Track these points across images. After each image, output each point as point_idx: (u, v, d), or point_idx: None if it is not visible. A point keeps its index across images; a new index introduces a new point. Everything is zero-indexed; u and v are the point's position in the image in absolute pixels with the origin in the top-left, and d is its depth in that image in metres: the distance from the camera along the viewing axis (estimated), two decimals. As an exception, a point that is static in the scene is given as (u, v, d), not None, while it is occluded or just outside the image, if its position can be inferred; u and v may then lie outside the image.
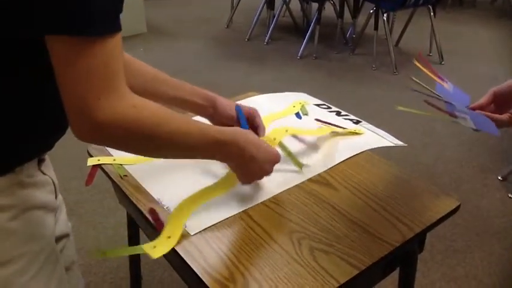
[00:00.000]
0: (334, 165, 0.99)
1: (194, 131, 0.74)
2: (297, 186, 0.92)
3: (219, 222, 0.83)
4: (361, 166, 0.99)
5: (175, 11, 4.66)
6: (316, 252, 0.77)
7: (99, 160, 1.00)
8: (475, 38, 4.11)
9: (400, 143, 1.06)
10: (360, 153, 1.03)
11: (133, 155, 0.96)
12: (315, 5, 3.82)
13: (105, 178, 0.98)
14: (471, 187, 2.19)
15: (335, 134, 1.09)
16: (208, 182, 0.90)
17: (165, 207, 0.86)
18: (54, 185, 0.80)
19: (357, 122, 1.15)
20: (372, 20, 3.43)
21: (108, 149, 1.04)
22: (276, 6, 3.94)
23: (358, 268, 0.74)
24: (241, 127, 0.95)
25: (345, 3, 3.76)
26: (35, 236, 0.74)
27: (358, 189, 0.92)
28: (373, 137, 1.09)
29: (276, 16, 3.90)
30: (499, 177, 2.24)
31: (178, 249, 0.77)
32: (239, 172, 0.85)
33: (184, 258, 0.76)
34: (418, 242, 0.88)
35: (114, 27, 0.60)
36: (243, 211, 0.86)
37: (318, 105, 1.23)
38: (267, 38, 3.87)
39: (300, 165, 0.97)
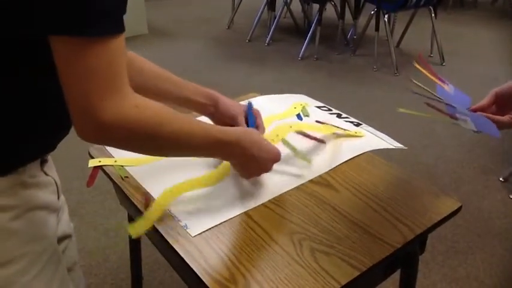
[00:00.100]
0: (335, 167, 0.99)
1: (197, 131, 0.75)
2: (297, 187, 0.92)
3: (220, 223, 0.83)
4: (362, 167, 0.99)
5: (176, 12, 4.66)
6: (317, 253, 0.77)
7: (100, 161, 1.00)
8: (476, 39, 4.11)
9: (399, 145, 1.06)
10: (360, 154, 1.03)
11: (135, 156, 0.97)
12: (315, 6, 3.83)
13: (107, 179, 0.98)
14: (472, 188, 2.18)
15: (336, 136, 1.09)
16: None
17: (166, 209, 0.86)
18: (56, 185, 0.80)
19: (358, 125, 1.15)
20: (373, 21, 3.43)
21: (109, 150, 1.04)
22: (277, 7, 3.94)
23: (359, 269, 0.74)
24: (248, 123, 0.96)
25: (346, 4, 3.76)
26: (37, 236, 0.74)
27: (359, 191, 0.92)
28: (373, 139, 1.09)
29: (277, 17, 3.90)
30: (500, 179, 2.24)
31: (178, 249, 0.77)
32: (239, 168, 0.86)
33: (185, 259, 0.76)
34: (419, 243, 0.88)
35: (117, 27, 0.60)
36: (243, 212, 0.86)
37: (318, 107, 1.23)
38: (268, 39, 3.87)
39: (308, 160, 0.97)
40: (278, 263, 0.75)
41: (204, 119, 0.99)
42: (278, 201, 0.89)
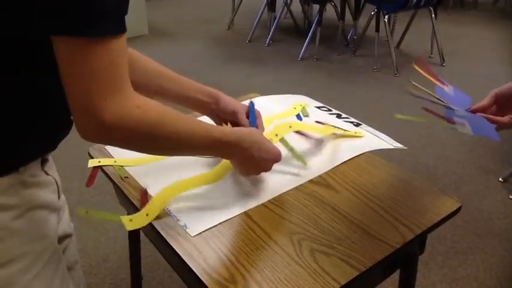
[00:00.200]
0: (335, 167, 0.99)
1: (197, 131, 0.75)
2: (297, 187, 0.92)
3: (220, 223, 0.83)
4: (361, 167, 0.99)
5: (176, 13, 4.66)
6: (317, 253, 0.77)
7: (99, 161, 1.00)
8: (476, 39, 4.11)
9: (399, 145, 1.06)
10: (360, 154, 1.03)
11: (134, 156, 0.97)
12: (316, 7, 3.83)
13: (106, 179, 0.98)
14: (472, 188, 2.18)
15: (335, 136, 1.09)
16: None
17: (165, 208, 0.86)
18: (57, 185, 0.80)
19: (357, 125, 1.15)
20: (373, 22, 3.43)
21: (109, 150, 1.04)
22: (277, 8, 3.95)
23: (358, 270, 0.74)
24: (249, 122, 0.96)
25: (346, 5, 3.76)
26: (38, 236, 0.74)
27: (359, 191, 0.92)
28: (373, 140, 1.09)
29: (277, 18, 3.90)
30: (500, 179, 2.24)
31: (177, 249, 0.77)
32: (239, 167, 0.87)
33: (184, 258, 0.76)
34: (418, 243, 0.88)
35: (118, 28, 0.60)
36: (243, 212, 0.86)
37: (318, 107, 1.23)
38: (268, 40, 3.87)
39: (304, 162, 0.97)
40: (277, 263, 0.75)
41: (206, 119, 1.00)
42: (278, 202, 0.89)
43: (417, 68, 0.96)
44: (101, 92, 0.60)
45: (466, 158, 2.42)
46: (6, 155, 0.67)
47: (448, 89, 0.96)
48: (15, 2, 0.58)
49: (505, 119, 0.89)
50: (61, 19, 0.57)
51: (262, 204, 0.88)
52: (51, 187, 0.77)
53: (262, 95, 1.29)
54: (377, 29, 3.40)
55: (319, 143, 1.06)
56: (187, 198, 0.88)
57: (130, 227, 0.81)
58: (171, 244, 0.79)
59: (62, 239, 0.87)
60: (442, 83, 0.97)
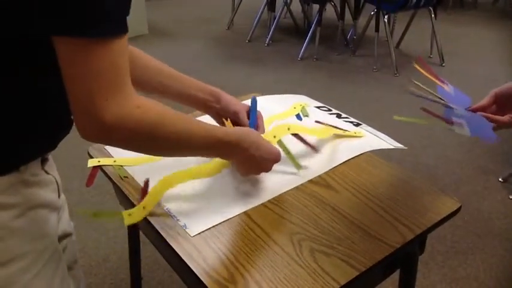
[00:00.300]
0: (335, 167, 0.99)
1: (197, 131, 0.75)
2: (297, 187, 0.92)
3: (219, 223, 0.83)
4: (361, 168, 0.99)
5: (176, 13, 4.66)
6: (317, 253, 0.77)
7: (99, 161, 1.00)
8: (476, 39, 4.11)
9: (399, 145, 1.06)
10: (360, 154, 1.03)
11: (134, 156, 0.97)
12: (315, 7, 3.83)
13: (106, 179, 0.98)
14: (472, 189, 2.18)
15: (335, 136, 1.08)
16: (206, 180, 0.91)
17: (165, 208, 0.86)
18: (57, 184, 0.80)
19: (357, 125, 1.15)
20: (373, 22, 3.43)
21: (108, 150, 1.04)
22: (277, 7, 3.95)
23: (358, 270, 0.74)
24: (250, 122, 0.96)
25: (346, 4, 3.76)
26: (38, 235, 0.74)
27: (359, 191, 0.92)
28: (373, 140, 1.09)
29: (276, 18, 3.90)
30: (500, 179, 2.24)
31: (177, 249, 0.77)
32: (239, 167, 0.87)
33: (183, 258, 0.76)
34: (418, 243, 0.88)
35: (119, 29, 0.60)
36: (243, 212, 0.86)
37: (318, 107, 1.23)
38: (267, 40, 3.87)
39: (299, 166, 0.97)
40: (277, 263, 0.75)
41: (207, 118, 1.00)
42: (277, 201, 0.89)
43: (418, 67, 0.96)
44: (101, 92, 0.60)
45: (466, 158, 2.42)
46: (6, 155, 0.67)
47: (448, 88, 0.96)
48: (15, 2, 0.58)
49: (505, 118, 0.89)
50: (61, 19, 0.57)
51: (262, 204, 0.88)
52: (51, 186, 0.77)
53: (262, 95, 1.28)
54: (377, 29, 3.40)
55: (318, 143, 1.06)
56: (187, 198, 0.88)
57: (128, 221, 0.82)
58: (170, 244, 0.79)
59: (61, 238, 0.87)
60: (443, 82, 0.97)
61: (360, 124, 1.15)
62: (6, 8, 0.58)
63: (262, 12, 4.01)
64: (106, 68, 0.60)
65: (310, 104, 1.24)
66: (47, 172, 0.76)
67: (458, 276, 1.70)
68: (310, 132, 1.06)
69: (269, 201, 0.89)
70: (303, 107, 1.19)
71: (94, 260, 1.74)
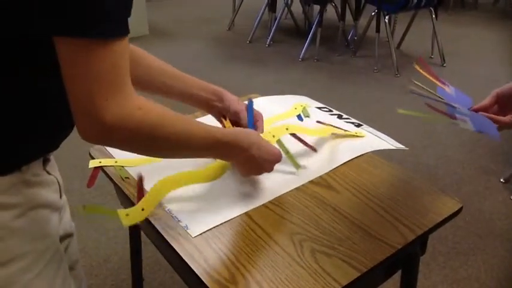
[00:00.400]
0: (336, 167, 0.99)
1: (198, 133, 0.75)
2: (298, 188, 0.92)
3: (220, 224, 0.83)
4: (362, 168, 0.99)
5: (176, 13, 4.67)
6: (318, 254, 0.77)
7: (100, 162, 1.00)
8: (477, 40, 4.11)
9: (401, 146, 1.06)
10: (361, 155, 1.03)
11: (135, 156, 0.97)
12: (316, 8, 3.83)
13: (107, 180, 0.98)
14: (473, 189, 2.18)
15: (336, 136, 1.08)
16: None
17: (166, 209, 0.86)
18: (59, 184, 0.80)
19: (358, 125, 1.15)
20: (374, 23, 3.43)
21: (109, 150, 1.04)
22: (277, 8, 3.95)
23: (359, 270, 0.74)
24: (247, 120, 0.96)
25: (347, 5, 3.76)
26: (39, 235, 0.74)
27: (360, 191, 0.92)
28: (374, 140, 1.09)
29: (277, 18, 3.90)
30: (501, 180, 2.24)
31: (178, 249, 0.77)
32: (240, 167, 0.87)
33: (185, 259, 0.76)
34: (420, 244, 0.88)
35: (120, 30, 0.60)
36: (244, 213, 0.86)
37: (319, 108, 1.23)
38: (268, 40, 3.87)
39: (298, 166, 0.97)
40: (278, 264, 0.75)
41: (208, 118, 1.00)
42: (278, 202, 0.89)
43: (418, 68, 0.96)
44: (102, 93, 0.60)
45: (466, 158, 2.42)
46: (6, 155, 0.67)
47: (449, 89, 0.96)
48: (15, 2, 0.58)
49: (507, 118, 0.89)
50: (61, 19, 0.57)
51: (263, 204, 0.88)
52: (53, 186, 0.77)
53: (262, 95, 1.29)
54: (377, 30, 3.40)
55: (319, 143, 1.06)
56: (188, 199, 0.88)
57: (126, 222, 0.80)
58: (172, 245, 0.79)
59: (63, 238, 0.88)
60: (443, 83, 0.97)
61: (361, 125, 1.15)
62: (6, 8, 0.58)
63: (263, 13, 4.01)
64: (106, 68, 0.60)
65: (311, 104, 1.24)
66: (48, 172, 0.76)
67: (459, 277, 1.70)
68: (310, 133, 1.06)
69: (270, 201, 0.89)
70: (304, 108, 1.19)
71: (95, 260, 1.74)
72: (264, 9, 4.01)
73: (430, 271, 1.72)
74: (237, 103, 0.98)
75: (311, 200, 0.89)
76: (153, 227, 0.82)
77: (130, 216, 0.81)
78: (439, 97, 0.93)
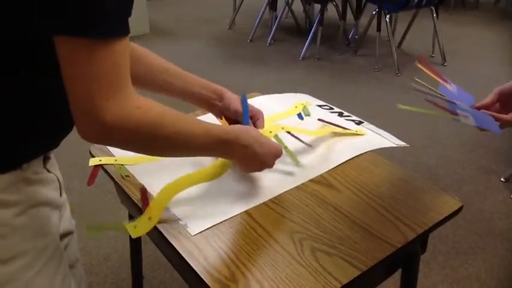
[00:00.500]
0: (336, 166, 0.98)
1: (198, 132, 0.75)
2: (298, 186, 0.92)
3: (221, 222, 0.83)
4: (363, 167, 0.99)
5: (177, 12, 4.66)
6: (318, 253, 0.77)
7: (100, 160, 1.00)
8: (477, 39, 4.10)
9: (402, 143, 1.06)
10: (361, 154, 1.03)
11: (135, 155, 0.97)
12: (317, 7, 3.82)
13: (107, 178, 0.98)
14: (473, 188, 2.18)
15: (337, 134, 1.08)
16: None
17: (166, 207, 0.86)
18: (59, 182, 0.80)
19: (359, 123, 1.15)
20: (375, 21, 3.43)
21: (110, 149, 1.04)
22: (278, 7, 3.95)
23: (360, 269, 0.74)
24: (243, 115, 0.96)
25: (348, 4, 3.76)
26: (40, 233, 0.74)
27: (360, 190, 0.92)
28: (375, 138, 1.08)
29: (278, 17, 3.90)
30: (502, 179, 2.23)
31: (178, 248, 0.77)
32: (241, 164, 0.87)
33: (185, 257, 0.76)
34: (420, 243, 0.88)
35: (120, 30, 0.60)
36: (244, 211, 0.86)
37: (320, 106, 1.23)
38: (269, 39, 3.87)
39: (297, 160, 0.97)
40: (278, 262, 0.75)
41: (208, 116, 0.99)
42: (279, 201, 0.89)
43: (420, 66, 0.96)
44: (102, 93, 0.60)
45: (467, 158, 2.42)
46: (6, 154, 0.67)
47: (451, 87, 0.96)
48: (15, 2, 0.58)
49: (509, 116, 0.89)
50: (61, 19, 0.56)
51: (263, 203, 0.88)
52: (53, 184, 0.77)
53: (263, 94, 1.28)
54: (378, 29, 3.39)
55: (320, 142, 1.05)
56: (188, 198, 0.88)
57: (135, 234, 0.79)
58: (172, 243, 0.79)
59: (63, 236, 0.88)
60: (445, 81, 0.96)
61: (362, 122, 1.15)
62: (6, 8, 0.58)
63: (263, 12, 4.00)
64: (107, 68, 0.60)
65: (312, 102, 1.24)
66: (48, 170, 0.76)
67: (459, 276, 1.70)
68: (305, 133, 1.05)
69: (270, 200, 0.89)
70: (305, 106, 1.19)
71: (95, 259, 1.74)
72: (265, 8, 4.01)
73: (430, 270, 1.72)
74: (237, 102, 0.98)
75: (311, 198, 0.89)
76: (153, 226, 0.82)
77: (138, 228, 0.80)
78: (441, 94, 0.93)
